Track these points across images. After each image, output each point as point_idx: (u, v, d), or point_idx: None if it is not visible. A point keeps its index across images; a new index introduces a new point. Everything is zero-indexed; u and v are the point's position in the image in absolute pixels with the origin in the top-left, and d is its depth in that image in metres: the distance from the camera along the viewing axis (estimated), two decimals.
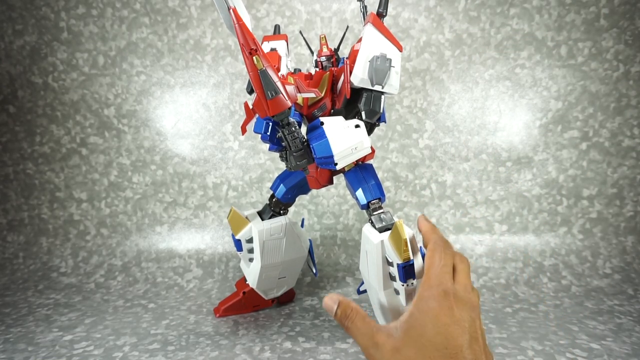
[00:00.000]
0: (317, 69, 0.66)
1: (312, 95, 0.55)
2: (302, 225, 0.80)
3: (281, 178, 0.74)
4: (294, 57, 1.10)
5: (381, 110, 0.61)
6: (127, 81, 1.13)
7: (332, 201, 1.11)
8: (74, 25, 1.12)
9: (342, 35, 0.70)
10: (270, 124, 0.61)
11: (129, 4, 1.10)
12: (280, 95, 0.49)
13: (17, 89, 1.14)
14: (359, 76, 0.58)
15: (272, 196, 0.75)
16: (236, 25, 0.45)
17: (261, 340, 0.69)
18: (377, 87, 0.58)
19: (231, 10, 0.45)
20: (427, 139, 1.11)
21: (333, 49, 0.68)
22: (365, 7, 0.66)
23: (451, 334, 0.37)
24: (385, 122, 0.65)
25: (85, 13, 1.11)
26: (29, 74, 1.14)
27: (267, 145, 0.63)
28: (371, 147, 0.60)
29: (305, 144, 0.58)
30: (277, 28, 0.74)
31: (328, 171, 0.66)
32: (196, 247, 1.08)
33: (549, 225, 1.06)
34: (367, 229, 0.61)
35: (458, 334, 0.37)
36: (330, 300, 0.45)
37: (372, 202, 0.61)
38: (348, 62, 0.59)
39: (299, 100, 0.63)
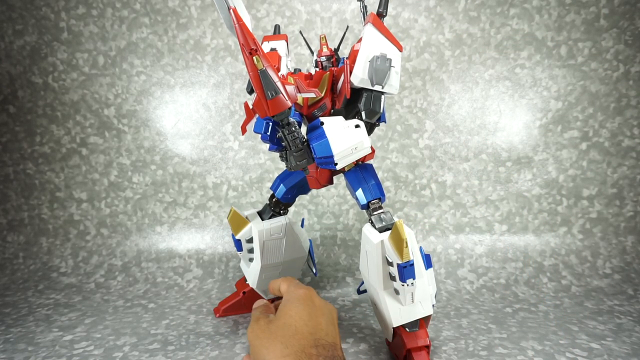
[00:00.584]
0: (317, 69, 0.66)
1: (312, 95, 0.55)
2: (302, 225, 0.80)
3: (281, 178, 0.74)
4: (294, 57, 1.10)
5: (381, 110, 0.61)
6: (127, 81, 1.13)
7: (332, 201, 1.11)
8: (74, 25, 1.12)
9: (342, 35, 0.70)
10: (270, 124, 0.61)
11: (129, 4, 1.10)
12: (280, 95, 0.49)
13: (17, 89, 1.14)
14: (359, 76, 0.58)
15: (272, 196, 0.75)
16: (236, 25, 0.45)
17: None
18: (377, 87, 0.58)
19: (231, 11, 0.45)
20: (427, 139, 1.11)
21: (333, 49, 0.68)
22: (366, 7, 0.66)
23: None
24: (385, 122, 0.65)
25: (85, 13, 1.11)
26: (29, 74, 1.14)
27: (267, 145, 0.63)
28: (371, 147, 0.60)
29: (305, 143, 0.58)
30: (277, 28, 0.74)
31: (328, 171, 0.66)
32: (196, 247, 1.08)
33: (549, 225, 1.06)
34: (367, 229, 0.61)
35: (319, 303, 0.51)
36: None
37: (372, 202, 0.61)
38: (348, 62, 0.59)
39: (299, 100, 0.63)
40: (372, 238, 0.59)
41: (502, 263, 0.99)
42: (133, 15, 1.11)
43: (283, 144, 0.58)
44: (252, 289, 0.77)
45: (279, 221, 0.73)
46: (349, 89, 0.58)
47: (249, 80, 0.53)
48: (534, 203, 1.08)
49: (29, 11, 1.12)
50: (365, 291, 0.69)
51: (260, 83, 0.48)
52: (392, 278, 0.58)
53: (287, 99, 0.50)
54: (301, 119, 0.65)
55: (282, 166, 0.67)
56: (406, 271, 0.54)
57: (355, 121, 0.59)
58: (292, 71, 0.69)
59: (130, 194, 1.14)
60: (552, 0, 1.04)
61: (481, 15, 1.06)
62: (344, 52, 0.69)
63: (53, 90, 1.14)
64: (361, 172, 0.63)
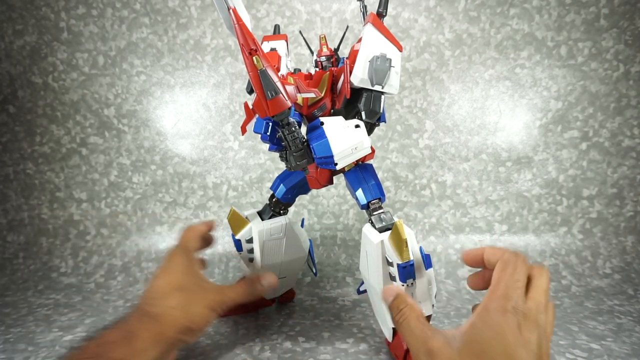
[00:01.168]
0: (317, 69, 0.66)
1: (312, 95, 0.55)
2: (302, 225, 0.80)
3: (281, 178, 0.74)
4: (294, 57, 1.10)
5: (381, 110, 0.61)
6: (127, 81, 1.13)
7: (332, 201, 1.11)
8: (74, 25, 1.12)
9: (342, 35, 0.70)
10: (270, 124, 0.61)
11: (129, 4, 1.10)
12: (280, 95, 0.49)
13: (17, 89, 1.14)
14: (359, 76, 0.58)
15: (272, 196, 0.75)
16: (236, 25, 0.45)
17: (261, 340, 0.69)
18: (377, 87, 0.58)
19: (231, 11, 0.45)
20: (427, 139, 1.11)
21: (333, 49, 0.68)
22: (365, 7, 0.66)
23: (516, 356, 0.34)
24: (385, 122, 0.65)
25: (85, 13, 1.11)
26: (29, 74, 1.14)
27: (267, 146, 0.63)
28: (371, 147, 0.60)
29: (305, 144, 0.58)
30: (277, 28, 0.74)
31: (328, 171, 0.66)
32: None
33: (549, 225, 1.06)
34: (367, 229, 0.61)
35: (523, 357, 0.34)
36: (389, 291, 0.46)
37: (372, 202, 0.61)
38: (348, 62, 0.59)
39: (299, 100, 0.63)
40: (372, 238, 0.59)
41: None
42: (133, 15, 1.11)
43: (283, 144, 0.58)
44: None
45: (279, 221, 0.73)
46: (348, 89, 0.58)
47: (248, 81, 0.53)
48: (534, 203, 1.08)
49: (29, 11, 1.12)
50: (365, 291, 0.69)
51: (260, 83, 0.48)
52: (392, 278, 0.58)
53: (287, 99, 0.50)
54: (301, 119, 0.65)
55: (282, 166, 0.67)
56: (406, 271, 0.54)
57: (355, 121, 0.59)
58: (292, 71, 0.69)
59: (130, 194, 1.14)
60: (552, 0, 1.04)
61: (481, 15, 1.06)
62: (344, 52, 0.69)
63: (53, 90, 1.14)
64: (361, 172, 0.63)
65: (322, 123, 0.57)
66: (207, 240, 0.67)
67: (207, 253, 1.06)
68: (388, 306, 0.43)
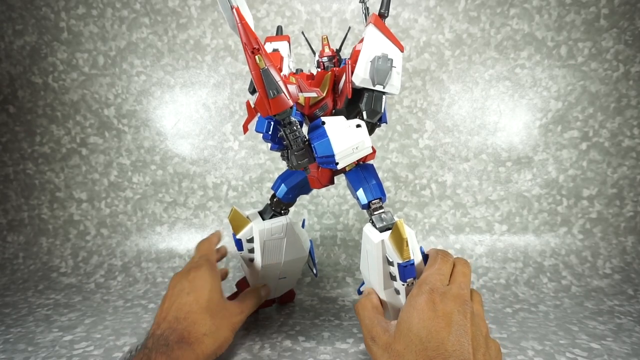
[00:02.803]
0: (319, 69, 0.66)
1: (313, 94, 0.55)
2: (303, 226, 0.80)
3: (282, 178, 0.74)
4: (295, 58, 1.10)
5: (382, 110, 0.61)
6: (127, 81, 1.13)
7: (332, 201, 1.11)
8: (74, 25, 1.12)
9: (344, 36, 0.70)
10: (272, 123, 0.61)
11: (129, 4, 1.10)
12: (282, 94, 0.49)
13: (17, 89, 1.14)
14: (361, 76, 0.58)
15: (274, 196, 0.75)
16: (239, 24, 0.45)
17: (261, 339, 0.69)
18: (379, 87, 0.58)
19: (234, 10, 0.45)
20: (427, 139, 1.11)
21: (335, 50, 0.68)
22: (367, 8, 0.66)
23: (434, 327, 0.38)
24: (386, 122, 0.65)
25: (85, 13, 1.11)
26: (29, 74, 1.14)
27: (268, 146, 0.63)
28: (372, 147, 0.60)
29: (307, 143, 0.58)
30: (279, 29, 0.74)
31: (329, 171, 0.66)
32: None
33: (549, 225, 1.06)
34: (368, 228, 0.62)
35: (441, 327, 0.38)
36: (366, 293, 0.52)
37: (372, 201, 0.61)
38: (349, 62, 0.59)
39: (301, 100, 0.63)
40: (372, 237, 0.59)
41: (502, 263, 1.00)
42: (133, 15, 1.11)
43: (284, 143, 0.58)
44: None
45: (279, 221, 0.73)
46: (350, 89, 0.59)
47: (251, 80, 0.53)
48: (534, 203, 1.08)
49: (29, 11, 1.11)
50: None
51: (262, 82, 0.48)
52: (393, 278, 0.58)
53: (288, 98, 0.50)
54: (302, 119, 0.65)
55: (283, 166, 0.67)
56: (407, 270, 0.54)
57: (357, 121, 0.59)
58: (294, 71, 0.69)
59: (130, 194, 1.14)
60: (552, 0, 1.04)
61: (481, 15, 1.06)
62: (345, 54, 0.69)
63: (53, 90, 1.14)
64: (362, 172, 0.63)
65: (323, 122, 0.58)
66: (220, 252, 0.70)
67: None
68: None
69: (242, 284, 0.81)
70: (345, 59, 0.62)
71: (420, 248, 0.60)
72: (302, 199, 1.11)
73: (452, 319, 0.39)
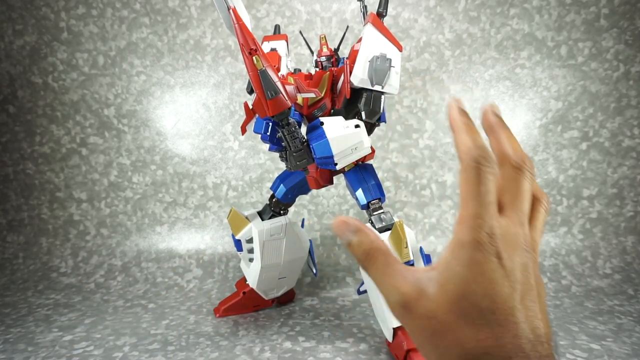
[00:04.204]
0: (317, 69, 0.66)
1: (312, 95, 0.55)
2: (302, 226, 0.80)
3: (281, 178, 0.74)
4: (294, 57, 1.10)
5: (381, 110, 0.61)
6: (127, 81, 1.13)
7: (332, 201, 1.11)
8: (74, 25, 1.12)
9: (342, 36, 0.70)
10: (270, 124, 0.61)
11: (129, 4, 1.10)
12: (280, 95, 0.49)
13: (17, 89, 1.14)
14: (359, 76, 0.58)
15: (272, 196, 0.75)
16: (236, 25, 0.45)
17: (261, 341, 0.69)
18: (377, 87, 0.58)
19: (231, 11, 0.45)
20: (427, 139, 1.10)
21: (333, 49, 0.68)
22: (366, 7, 0.66)
23: (500, 294, 0.27)
24: (385, 122, 0.65)
25: (85, 13, 1.11)
26: (29, 74, 1.14)
27: (267, 146, 0.63)
28: (371, 147, 0.60)
29: (305, 144, 0.58)
30: (277, 28, 0.74)
31: (328, 171, 0.66)
32: (196, 247, 1.08)
33: (549, 225, 1.06)
34: None
35: (508, 293, 0.27)
36: (343, 225, 0.29)
37: (372, 202, 0.61)
38: (348, 62, 0.59)
39: (299, 100, 0.63)
40: None
41: None
42: (133, 15, 1.11)
43: (283, 144, 0.58)
44: (252, 289, 0.77)
45: (279, 221, 0.73)
46: (348, 89, 0.59)
47: (249, 81, 0.53)
48: None
49: (29, 11, 1.11)
50: (365, 291, 0.69)
51: (260, 83, 0.48)
52: None
53: (286, 99, 0.50)
54: (301, 119, 0.65)
55: (282, 166, 0.67)
56: None
57: (355, 121, 0.59)
58: (292, 71, 0.69)
59: (130, 194, 1.14)
60: (552, 0, 1.04)
61: (481, 15, 1.06)
62: (344, 52, 0.69)
63: (53, 90, 1.14)
64: (361, 172, 0.63)
65: (322, 123, 0.58)
66: None
67: (207, 253, 1.06)
68: (347, 245, 0.31)
69: (242, 284, 0.81)
70: (343, 58, 0.62)
71: (420, 248, 0.60)
72: (302, 199, 1.11)
73: (518, 277, 0.27)
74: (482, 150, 0.28)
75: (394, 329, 0.59)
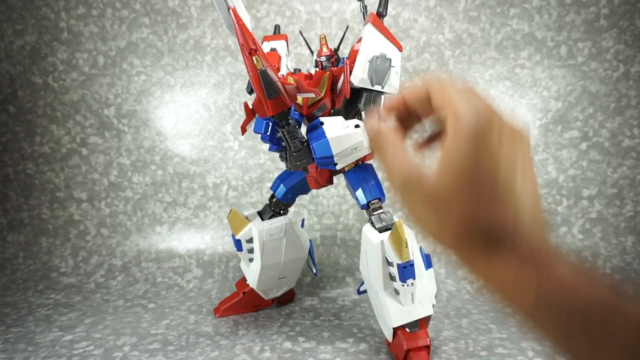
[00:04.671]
0: (317, 69, 0.66)
1: (311, 95, 0.55)
2: (302, 226, 0.80)
3: (281, 178, 0.74)
4: (294, 57, 1.10)
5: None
6: (127, 81, 1.13)
7: (332, 201, 1.11)
8: (74, 25, 1.12)
9: (342, 35, 0.70)
10: (270, 124, 0.61)
11: (129, 4, 1.10)
12: (280, 95, 0.49)
13: (17, 89, 1.14)
14: (359, 76, 0.58)
15: (272, 196, 0.75)
16: (236, 25, 0.45)
17: (261, 340, 0.69)
18: (377, 87, 0.58)
19: (231, 11, 0.45)
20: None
21: (333, 49, 0.68)
22: (366, 7, 0.66)
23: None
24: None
25: (85, 13, 1.11)
26: (29, 74, 1.14)
27: (267, 145, 0.63)
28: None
29: (305, 143, 0.58)
30: (277, 28, 0.74)
31: (328, 171, 0.66)
32: (196, 247, 1.08)
33: (548, 225, 1.06)
34: (367, 229, 0.61)
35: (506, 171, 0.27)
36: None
37: (372, 202, 0.61)
38: (348, 62, 0.59)
39: (299, 100, 0.63)
40: (372, 238, 0.59)
41: None
42: (133, 15, 1.11)
43: (283, 144, 0.58)
44: (252, 289, 0.77)
45: (279, 221, 0.73)
46: (348, 89, 0.59)
47: (249, 81, 0.53)
48: None
49: (29, 11, 1.11)
50: (365, 291, 0.69)
51: (260, 83, 0.48)
52: (392, 278, 0.58)
53: (286, 99, 0.50)
54: (301, 119, 0.65)
55: (282, 166, 0.67)
56: (406, 271, 0.54)
57: (355, 121, 0.59)
58: (292, 71, 0.69)
59: (130, 194, 1.14)
60: (552, 0, 1.04)
61: (481, 15, 1.06)
62: (344, 52, 0.69)
63: (53, 90, 1.14)
64: (361, 172, 0.63)
65: (322, 123, 0.58)
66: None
67: (207, 253, 1.06)
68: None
69: (242, 284, 0.81)
70: (343, 58, 0.62)
71: (420, 248, 0.60)
72: (302, 199, 1.11)
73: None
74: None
75: (394, 329, 0.59)
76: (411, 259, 0.54)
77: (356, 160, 0.62)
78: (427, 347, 0.59)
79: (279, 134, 0.57)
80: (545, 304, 0.25)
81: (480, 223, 0.27)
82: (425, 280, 0.58)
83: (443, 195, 0.28)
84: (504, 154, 0.27)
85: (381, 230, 0.59)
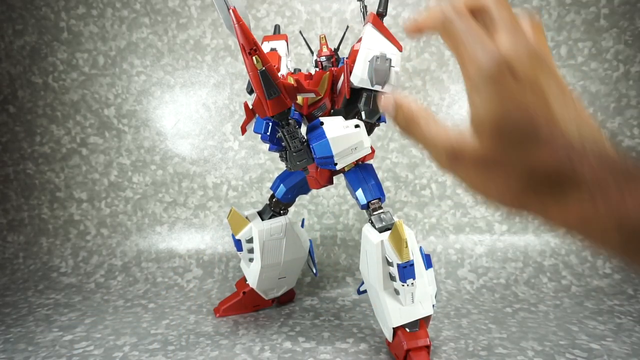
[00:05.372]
0: (317, 69, 0.66)
1: (311, 95, 0.55)
2: (302, 226, 0.80)
3: (281, 178, 0.74)
4: (294, 57, 1.10)
5: (381, 110, 0.61)
6: (127, 81, 1.13)
7: (332, 201, 1.11)
8: (74, 25, 1.12)
9: (342, 35, 0.70)
10: (270, 124, 0.61)
11: (129, 4, 1.10)
12: (280, 95, 0.49)
13: (17, 89, 1.14)
14: (359, 76, 0.58)
15: (272, 196, 0.75)
16: (236, 25, 0.45)
17: (261, 340, 0.69)
18: (377, 87, 0.58)
19: (231, 11, 0.45)
20: None
21: (333, 49, 0.68)
22: (365, 7, 0.66)
23: (533, 110, 0.26)
24: (385, 122, 0.65)
25: (85, 13, 1.11)
26: (29, 74, 1.14)
27: (267, 146, 0.63)
28: (371, 147, 0.60)
29: (305, 144, 0.58)
30: (277, 28, 0.74)
31: (328, 171, 0.66)
32: (196, 247, 1.08)
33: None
34: (367, 229, 0.61)
35: (540, 106, 0.26)
36: (385, 101, 0.31)
37: (372, 202, 0.61)
38: (348, 62, 0.59)
39: (299, 100, 0.63)
40: (372, 238, 0.59)
41: (502, 263, 0.99)
42: (133, 15, 1.11)
43: (283, 144, 0.58)
44: (252, 289, 0.77)
45: (279, 221, 0.73)
46: (348, 89, 0.59)
47: (249, 81, 0.53)
48: None
49: (29, 11, 1.11)
50: (365, 291, 0.69)
51: (260, 83, 0.48)
52: (392, 278, 0.58)
53: (286, 99, 0.50)
54: (301, 119, 0.65)
55: (282, 166, 0.67)
56: (406, 271, 0.54)
57: (355, 121, 0.59)
58: (292, 71, 0.69)
59: (130, 194, 1.14)
60: (552, 0, 1.04)
61: None
62: (344, 52, 0.69)
63: (53, 90, 1.14)
64: (361, 172, 0.63)
65: (322, 123, 0.58)
66: None
67: (207, 253, 1.06)
68: (394, 118, 0.31)
69: (242, 284, 0.81)
70: (343, 58, 0.62)
71: (420, 248, 0.60)
72: (302, 199, 1.11)
73: (544, 86, 0.26)
74: (445, 7, 0.28)
75: (393, 329, 0.59)
76: (411, 259, 0.54)
77: (356, 160, 0.62)
78: (427, 347, 0.59)
79: (279, 134, 0.57)
80: (633, 230, 0.23)
81: (536, 168, 0.25)
82: (425, 280, 0.58)
83: (491, 155, 0.26)
84: (530, 89, 0.25)
85: (381, 230, 0.59)
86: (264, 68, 0.47)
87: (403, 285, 0.56)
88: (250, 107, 0.53)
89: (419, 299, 0.58)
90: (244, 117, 0.55)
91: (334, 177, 0.69)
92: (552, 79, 0.26)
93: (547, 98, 0.25)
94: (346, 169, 0.63)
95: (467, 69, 0.27)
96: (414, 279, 0.55)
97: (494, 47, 0.26)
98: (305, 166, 0.61)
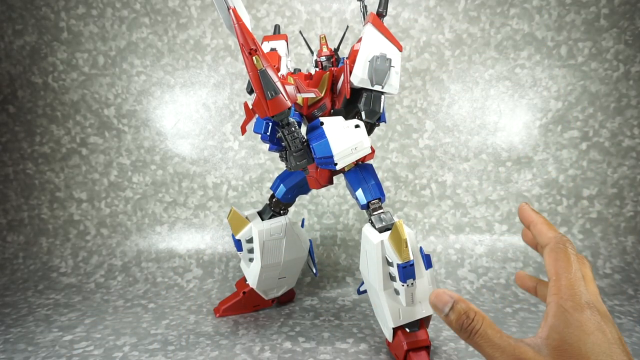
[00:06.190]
0: (317, 69, 0.66)
1: (311, 95, 0.55)
2: (302, 225, 0.80)
3: (281, 178, 0.74)
4: (294, 57, 1.10)
5: (381, 110, 0.61)
6: (127, 81, 1.13)
7: (332, 201, 1.11)
8: (74, 25, 1.12)
9: (342, 36, 0.70)
10: (270, 124, 0.61)
11: (129, 4, 1.10)
12: (280, 95, 0.49)
13: (17, 89, 1.14)
14: (359, 76, 0.58)
15: (272, 196, 0.75)
16: (236, 25, 0.45)
17: (261, 340, 0.69)
18: (377, 87, 0.58)
19: (231, 11, 0.45)
20: (427, 139, 1.11)
21: (333, 49, 0.68)
22: (365, 7, 0.66)
23: (615, 354, 0.31)
24: (385, 122, 0.65)
25: (85, 13, 1.11)
26: (29, 74, 1.14)
27: (267, 145, 0.63)
28: (371, 147, 0.60)
29: (305, 144, 0.58)
30: (277, 28, 0.74)
31: (328, 171, 0.66)
32: (196, 247, 1.08)
33: None
34: (367, 229, 0.61)
35: (619, 355, 0.31)
36: (440, 297, 0.34)
37: (372, 202, 0.61)
38: (348, 62, 0.59)
39: (299, 100, 0.63)
40: (372, 238, 0.59)
41: (502, 263, 0.99)
42: (133, 15, 1.11)
43: (283, 144, 0.58)
44: (252, 289, 0.77)
45: (279, 221, 0.73)
46: (348, 89, 0.59)
47: (249, 81, 0.53)
48: (534, 203, 1.07)
49: (29, 11, 1.11)
50: (365, 291, 0.69)
51: (260, 83, 0.48)
52: (392, 278, 0.58)
53: (286, 99, 0.50)
54: (301, 119, 0.65)
55: (282, 166, 0.67)
56: (406, 271, 0.54)
57: (355, 121, 0.59)
58: (292, 71, 0.69)
59: (130, 194, 1.14)
60: (552, 0, 1.04)
61: (481, 15, 1.06)
62: (344, 52, 0.69)
63: (53, 90, 1.14)
64: (361, 172, 0.63)
65: (322, 123, 0.58)
66: None
67: (207, 253, 1.06)
68: (444, 317, 0.35)
69: (241, 284, 0.81)
70: (343, 58, 0.62)
71: (420, 248, 0.60)
72: (302, 199, 1.11)
73: (619, 343, 0.32)
74: (564, 237, 0.36)
75: (393, 329, 0.59)
76: (411, 259, 0.54)
77: (356, 160, 0.62)
78: (427, 347, 0.59)
79: (279, 134, 0.57)
80: None
81: None
82: (425, 280, 0.58)
83: None
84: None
85: (381, 230, 0.59)
86: (263, 68, 0.47)
87: (403, 286, 0.56)
88: (250, 107, 0.53)
89: (419, 299, 0.58)
90: (244, 117, 0.55)
91: (334, 177, 0.69)
92: (606, 319, 0.32)
93: (609, 336, 0.31)
94: (346, 169, 0.63)
95: (559, 298, 0.33)
96: (414, 279, 0.55)
97: (583, 290, 0.33)
98: (305, 166, 0.61)
